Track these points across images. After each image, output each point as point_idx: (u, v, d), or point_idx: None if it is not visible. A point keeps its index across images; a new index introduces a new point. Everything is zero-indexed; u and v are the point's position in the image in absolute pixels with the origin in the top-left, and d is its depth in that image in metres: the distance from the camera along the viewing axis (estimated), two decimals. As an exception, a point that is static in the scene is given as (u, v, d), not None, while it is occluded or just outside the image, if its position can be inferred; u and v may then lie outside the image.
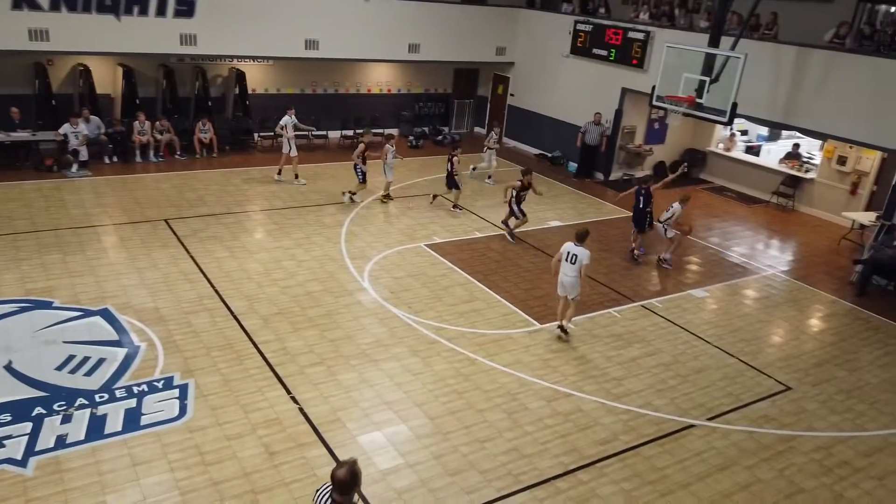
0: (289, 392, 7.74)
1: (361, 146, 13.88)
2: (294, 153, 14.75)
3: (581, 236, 9.12)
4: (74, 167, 14.23)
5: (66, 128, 14.16)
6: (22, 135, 14.24)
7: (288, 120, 14.74)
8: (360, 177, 14.05)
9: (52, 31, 13.74)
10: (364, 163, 13.89)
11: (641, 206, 12.26)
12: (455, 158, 13.88)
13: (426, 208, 14.19)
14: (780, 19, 14.07)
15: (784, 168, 16.66)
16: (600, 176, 17.64)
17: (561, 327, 9.43)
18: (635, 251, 12.48)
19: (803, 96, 13.25)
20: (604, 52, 17.03)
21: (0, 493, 6.01)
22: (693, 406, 8.24)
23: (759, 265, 12.93)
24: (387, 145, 14.05)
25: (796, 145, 16.86)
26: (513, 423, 7.57)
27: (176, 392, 7.57)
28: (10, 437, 6.67)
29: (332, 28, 16.69)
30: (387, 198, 14.36)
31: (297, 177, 15.00)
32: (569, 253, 9.12)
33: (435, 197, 14.49)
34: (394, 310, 9.82)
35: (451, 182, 14.04)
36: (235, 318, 9.24)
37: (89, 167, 14.47)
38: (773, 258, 13.43)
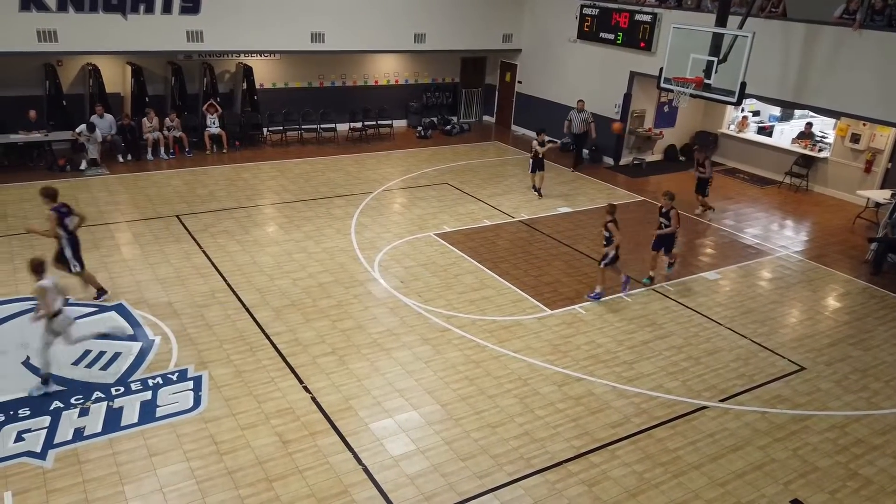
0: (301, 382, 7.82)
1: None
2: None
3: None
4: (84, 164, 14.39)
5: (82, 127, 14.32)
6: (36, 135, 14.42)
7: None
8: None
9: (60, 31, 13.87)
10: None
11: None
12: (707, 162, 13.72)
13: (435, 198, 14.21)
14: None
15: (797, 148, 16.47)
16: (610, 161, 17.57)
17: None
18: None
19: (814, 74, 13.07)
20: (611, 36, 16.90)
21: (21, 484, 6.15)
22: (705, 388, 8.22)
23: (773, 246, 12.82)
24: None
25: (809, 124, 16.65)
26: (524, 408, 7.60)
27: (190, 384, 7.67)
28: (29, 430, 6.80)
29: (337, 20, 16.69)
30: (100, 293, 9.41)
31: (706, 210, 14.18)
32: None
33: None
34: (404, 299, 9.86)
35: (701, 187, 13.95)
36: (248, 310, 9.33)
37: (103, 165, 14.62)
38: (786, 239, 13.31)
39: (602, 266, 10.18)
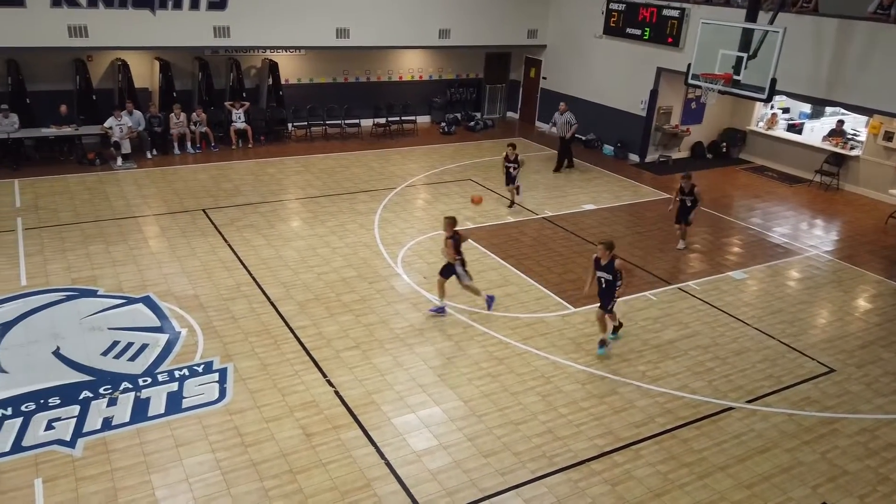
0: (325, 375, 7.86)
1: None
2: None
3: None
4: (119, 160, 14.61)
5: (111, 121, 14.54)
6: (67, 130, 14.66)
7: None
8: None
9: (90, 27, 14.09)
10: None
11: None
12: (696, 190, 11.47)
13: (458, 194, 14.19)
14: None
15: (828, 146, 16.16)
16: (636, 158, 17.40)
17: None
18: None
19: (846, 70, 12.79)
20: (638, 32, 16.70)
21: (51, 472, 6.27)
22: (732, 388, 8.11)
23: (802, 246, 12.59)
24: None
25: (840, 122, 16.33)
26: (547, 406, 7.56)
27: (216, 376, 7.75)
28: (59, 419, 6.93)
29: (362, 16, 16.72)
30: None
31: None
32: None
33: None
34: (427, 295, 9.86)
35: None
36: (272, 304, 9.40)
37: (132, 160, 14.82)
38: (816, 238, 13.06)
39: (464, 284, 9.22)
